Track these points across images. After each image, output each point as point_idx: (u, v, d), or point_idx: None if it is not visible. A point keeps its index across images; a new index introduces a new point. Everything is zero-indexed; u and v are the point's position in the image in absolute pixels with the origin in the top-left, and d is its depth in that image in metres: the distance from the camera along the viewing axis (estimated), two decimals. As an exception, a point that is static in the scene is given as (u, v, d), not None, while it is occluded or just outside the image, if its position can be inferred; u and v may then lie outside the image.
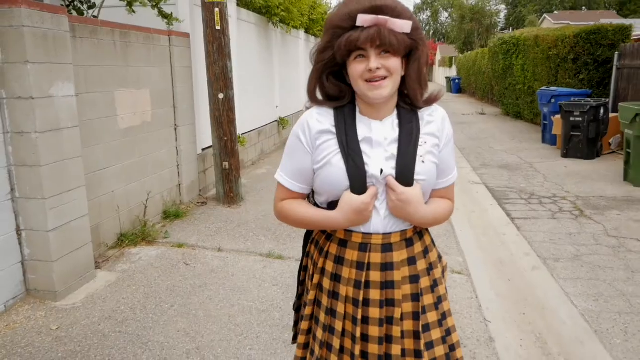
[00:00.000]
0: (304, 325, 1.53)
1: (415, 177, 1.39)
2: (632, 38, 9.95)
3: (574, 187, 6.55)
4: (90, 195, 3.73)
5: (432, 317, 1.43)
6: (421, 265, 1.46)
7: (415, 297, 1.42)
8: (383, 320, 1.40)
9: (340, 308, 1.42)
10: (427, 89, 1.46)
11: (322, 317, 1.46)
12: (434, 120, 1.47)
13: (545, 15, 56.19)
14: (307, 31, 12.00)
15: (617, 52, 9.39)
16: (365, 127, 1.41)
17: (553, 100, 9.45)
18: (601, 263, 4.08)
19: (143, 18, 4.95)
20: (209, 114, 5.58)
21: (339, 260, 1.44)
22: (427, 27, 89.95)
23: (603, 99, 8.77)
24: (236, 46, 6.62)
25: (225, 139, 5.52)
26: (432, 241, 1.55)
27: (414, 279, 1.43)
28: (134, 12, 4.89)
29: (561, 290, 3.59)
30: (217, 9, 5.25)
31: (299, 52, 11.50)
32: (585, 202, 5.87)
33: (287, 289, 3.53)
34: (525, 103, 13.26)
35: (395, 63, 1.33)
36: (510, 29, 62.48)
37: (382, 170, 1.37)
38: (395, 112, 1.44)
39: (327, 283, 1.46)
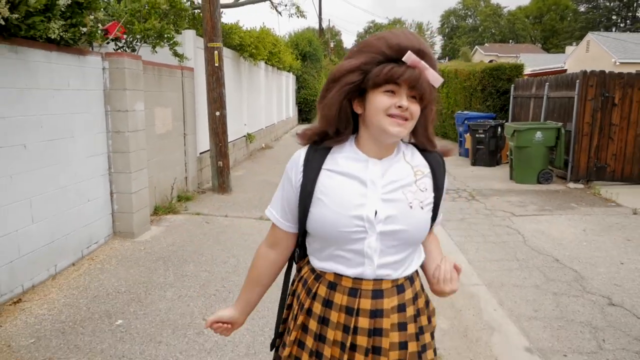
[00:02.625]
0: None
1: (407, 221, 1.35)
2: (523, 74, 12.77)
3: (473, 184, 8.96)
4: (145, 176, 5.69)
5: None
6: (410, 311, 1.41)
7: (404, 345, 1.38)
8: None
9: (327, 352, 1.38)
10: (434, 140, 1.46)
11: (306, 358, 1.42)
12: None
13: (477, 47, 60.95)
14: (267, 62, 14.17)
15: (512, 85, 12.10)
16: (362, 165, 1.37)
17: (465, 122, 11.99)
18: (476, 222, 6.39)
19: (157, 56, 6.92)
20: (208, 126, 7.61)
21: (328, 304, 1.39)
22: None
23: (501, 121, 11.38)
24: (222, 76, 8.67)
25: (220, 144, 7.56)
26: (422, 286, 1.51)
27: (402, 326, 1.38)
28: (156, 52, 6.89)
29: (448, 235, 5.82)
30: (216, 52, 7.33)
31: (260, 80, 13.63)
32: (478, 192, 8.26)
33: (277, 233, 5.61)
34: (449, 125, 15.87)
35: (417, 110, 1.31)
36: (446, 59, 67.25)
37: (376, 212, 1.32)
38: (397, 154, 1.42)
39: (313, 325, 1.41)
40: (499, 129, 10.93)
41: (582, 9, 67.89)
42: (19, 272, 3.74)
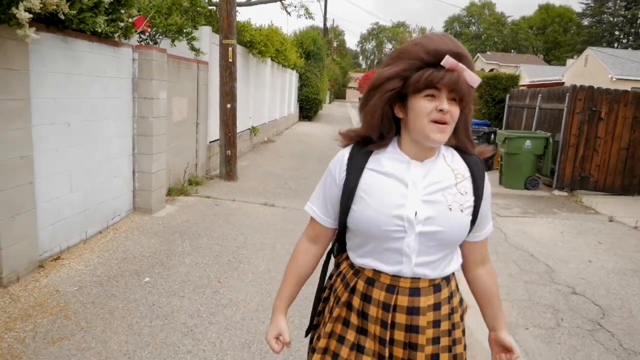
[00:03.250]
0: (315, 358, 1.53)
1: (446, 223, 1.37)
2: (519, 85, 13.33)
3: (464, 186, 9.51)
4: (163, 158, 6.22)
5: (444, 358, 1.44)
6: (444, 310, 1.45)
7: (437, 341, 1.43)
8: None
9: (369, 344, 1.43)
10: (472, 140, 1.48)
11: (345, 351, 1.46)
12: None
13: (478, 54, 61.52)
14: (272, 59, 14.68)
15: (508, 95, 12.67)
16: (404, 166, 1.40)
17: (461, 127, 12.53)
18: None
19: (175, 49, 7.44)
20: (219, 117, 8.14)
21: (366, 298, 1.44)
22: (372, 57, 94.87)
23: (495, 128, 11.94)
24: (233, 71, 9.20)
25: (229, 135, 8.09)
26: (457, 286, 1.55)
27: (437, 323, 1.43)
28: (174, 45, 7.40)
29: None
30: (230, 48, 7.86)
31: (266, 76, 14.14)
32: (467, 193, 8.80)
33: (277, 218, 6.14)
34: (446, 129, 16.45)
35: (457, 112, 1.34)
36: (448, 65, 67.59)
37: (416, 213, 1.35)
38: (438, 156, 1.44)
39: (354, 319, 1.47)
40: (492, 136, 11.49)
41: (585, 22, 68.64)
42: (58, 233, 4.27)
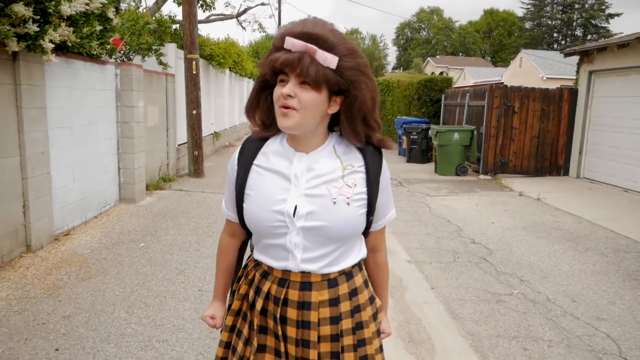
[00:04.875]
0: (218, 351, 1.54)
1: (330, 217, 1.33)
2: (452, 86, 14.94)
3: (404, 175, 10.93)
4: (142, 157, 7.34)
5: (348, 357, 1.39)
6: (345, 307, 1.40)
7: (335, 338, 1.38)
8: (300, 359, 1.39)
9: (255, 341, 1.41)
10: (372, 132, 1.39)
11: (240, 346, 1.45)
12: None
13: (429, 58, 64.02)
14: (231, 69, 15.85)
15: (443, 95, 14.22)
16: (288, 160, 1.37)
17: (403, 125, 14.01)
18: (398, 200, 8.29)
19: (144, 64, 8.55)
20: (186, 122, 9.28)
21: (257, 291, 1.43)
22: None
23: (432, 124, 13.45)
24: (196, 81, 10.34)
25: (196, 137, 9.25)
26: (365, 282, 1.49)
27: (335, 320, 1.38)
28: (145, 60, 8.52)
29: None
30: (194, 62, 9.03)
31: (225, 86, 15.30)
32: (406, 181, 10.21)
33: (245, 203, 7.36)
34: (394, 129, 17.94)
35: (309, 97, 1.25)
36: (401, 69, 70.22)
37: (296, 207, 1.32)
38: (327, 147, 1.39)
39: (249, 313, 1.46)
40: (429, 132, 12.98)
41: (527, 25, 72.20)
42: (65, 215, 5.37)
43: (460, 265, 5.05)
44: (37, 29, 4.20)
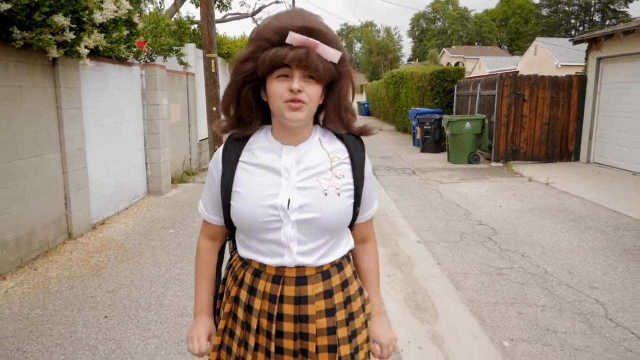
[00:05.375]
0: (212, 356, 1.50)
1: (322, 209, 1.34)
2: (465, 77, 15.16)
3: (417, 165, 11.27)
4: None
5: (344, 350, 1.41)
6: (338, 298, 1.41)
7: (332, 331, 1.39)
8: (297, 352, 1.39)
9: (251, 340, 1.40)
10: (351, 120, 1.42)
11: (235, 348, 1.44)
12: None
13: (444, 49, 63.75)
14: (248, 66, 16.32)
15: (456, 85, 14.47)
16: (276, 154, 1.37)
17: (417, 116, 14.31)
18: (410, 187, 8.66)
19: (166, 64, 9.02)
20: (206, 118, 9.74)
21: (252, 291, 1.40)
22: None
23: (445, 115, 13.73)
24: (215, 79, 10.80)
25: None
26: (354, 273, 1.51)
27: (330, 312, 1.40)
28: (166, 61, 8.99)
29: (387, 195, 8.05)
30: (213, 61, 9.46)
31: (243, 82, 15.76)
32: (419, 170, 10.55)
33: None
34: (408, 120, 18.23)
35: (315, 90, 1.28)
36: (416, 60, 70.09)
37: (289, 201, 1.33)
38: (313, 139, 1.40)
39: (240, 313, 1.42)
40: (442, 122, 13.27)
41: (544, 12, 71.47)
42: (100, 207, 5.85)
43: (467, 244, 5.41)
44: (74, 36, 4.65)
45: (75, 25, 4.70)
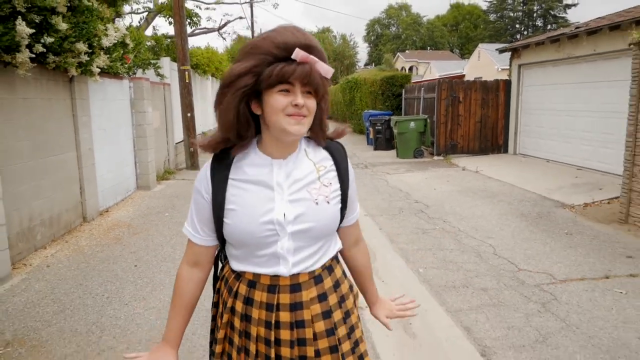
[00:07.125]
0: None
1: (315, 218, 1.38)
2: (411, 82, 16.84)
3: (370, 160, 12.77)
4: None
5: (345, 347, 1.45)
6: (332, 299, 1.45)
7: (331, 332, 1.42)
8: (295, 359, 1.41)
9: (252, 347, 1.42)
10: (326, 128, 1.47)
11: (235, 355, 1.47)
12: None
13: (398, 53, 66.10)
14: (213, 75, 17.54)
15: (403, 89, 16.09)
16: (267, 169, 1.39)
17: (370, 118, 15.84)
18: (362, 178, 10.11)
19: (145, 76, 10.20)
20: (182, 124, 10.97)
21: (248, 301, 1.42)
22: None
23: (394, 116, 15.31)
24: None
25: (191, 135, 10.94)
26: (343, 272, 1.56)
27: (327, 314, 1.43)
28: (145, 73, 10.17)
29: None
30: (186, 72, 10.72)
31: (209, 90, 16.98)
32: (371, 164, 12.05)
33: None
34: (362, 122, 19.77)
35: (313, 104, 1.32)
36: (372, 65, 72.21)
37: (285, 215, 1.35)
38: (300, 151, 1.43)
39: (237, 323, 1.44)
40: (391, 122, 14.85)
41: (491, 18, 74.89)
42: (103, 197, 7.06)
43: (403, 216, 6.88)
44: (88, 58, 5.89)
45: (89, 49, 5.94)
